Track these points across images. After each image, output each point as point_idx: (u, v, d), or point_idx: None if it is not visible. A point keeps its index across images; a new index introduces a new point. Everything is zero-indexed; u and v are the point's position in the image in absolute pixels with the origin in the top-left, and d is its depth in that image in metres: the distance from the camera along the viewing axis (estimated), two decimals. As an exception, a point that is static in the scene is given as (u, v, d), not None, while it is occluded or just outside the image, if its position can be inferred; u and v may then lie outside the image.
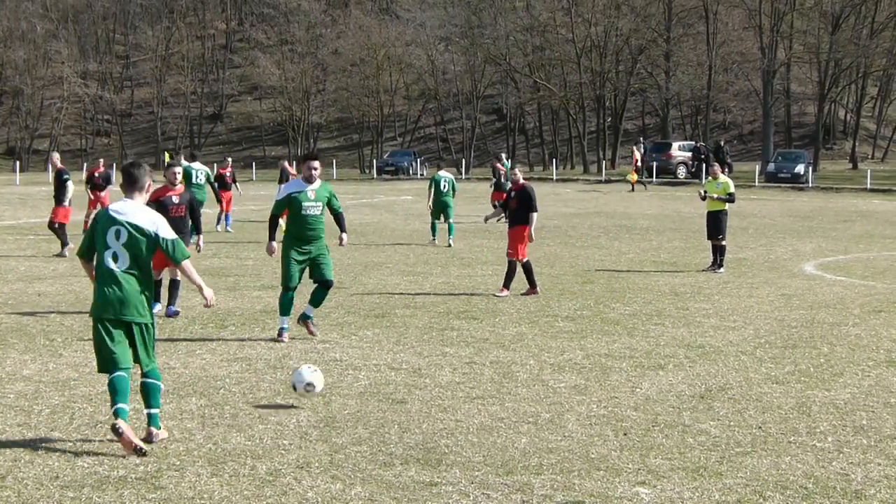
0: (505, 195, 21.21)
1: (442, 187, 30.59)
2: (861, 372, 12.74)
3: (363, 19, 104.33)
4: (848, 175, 74.21)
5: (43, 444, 9.43)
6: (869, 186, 61.10)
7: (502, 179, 38.33)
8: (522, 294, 19.27)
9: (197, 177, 30.55)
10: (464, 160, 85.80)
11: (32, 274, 22.36)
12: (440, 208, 30.53)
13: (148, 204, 9.68)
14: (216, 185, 31.99)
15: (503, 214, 20.89)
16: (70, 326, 15.63)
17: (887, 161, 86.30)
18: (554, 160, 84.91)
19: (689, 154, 71.42)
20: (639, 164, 64.96)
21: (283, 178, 36.21)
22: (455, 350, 13.95)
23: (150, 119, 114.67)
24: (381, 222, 38.26)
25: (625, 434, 9.91)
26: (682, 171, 70.89)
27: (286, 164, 38.34)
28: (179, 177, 17.31)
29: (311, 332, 14.82)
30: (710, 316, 17.14)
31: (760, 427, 10.19)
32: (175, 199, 16.99)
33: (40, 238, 30.65)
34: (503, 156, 46.73)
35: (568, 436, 9.83)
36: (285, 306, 14.68)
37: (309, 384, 10.65)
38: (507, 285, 19.47)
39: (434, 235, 30.35)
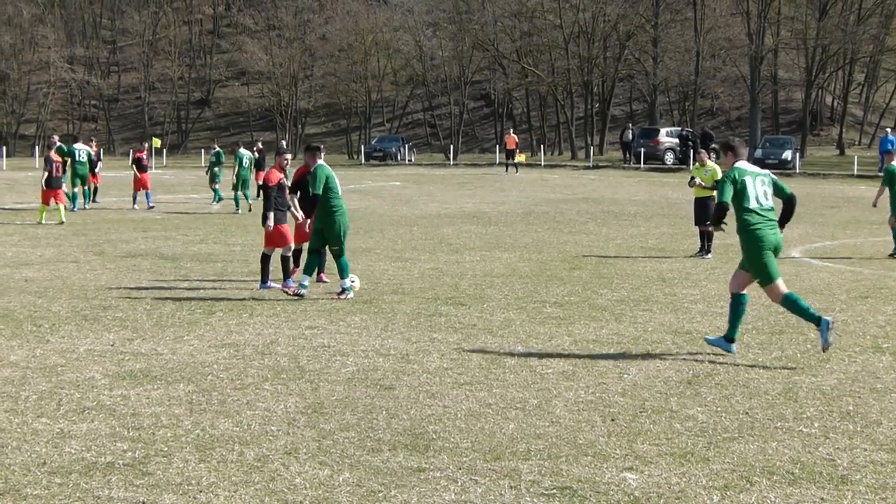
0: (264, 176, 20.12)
1: (244, 163, 36.79)
2: (847, 358, 12.77)
3: (351, 4, 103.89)
4: (835, 161, 74.27)
5: (30, 431, 9.43)
6: (856, 173, 61.15)
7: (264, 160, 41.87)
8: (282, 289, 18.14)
9: (79, 156, 37.31)
10: (451, 146, 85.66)
11: (19, 259, 22.32)
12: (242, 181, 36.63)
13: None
14: (134, 166, 38.96)
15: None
16: (57, 312, 15.61)
17: (874, 147, 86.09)
18: (542, 146, 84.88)
19: (677, 140, 71.45)
20: (517, 144, 68.83)
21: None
22: (443, 336, 13.94)
23: (138, 104, 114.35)
24: (369, 208, 38.22)
25: (612, 420, 9.92)
26: (669, 158, 70.88)
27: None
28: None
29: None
30: (698, 302, 17.16)
31: (747, 413, 10.21)
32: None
33: (27, 224, 30.60)
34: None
35: (556, 421, 9.84)
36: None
37: None
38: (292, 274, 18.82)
39: (238, 208, 36.27)
